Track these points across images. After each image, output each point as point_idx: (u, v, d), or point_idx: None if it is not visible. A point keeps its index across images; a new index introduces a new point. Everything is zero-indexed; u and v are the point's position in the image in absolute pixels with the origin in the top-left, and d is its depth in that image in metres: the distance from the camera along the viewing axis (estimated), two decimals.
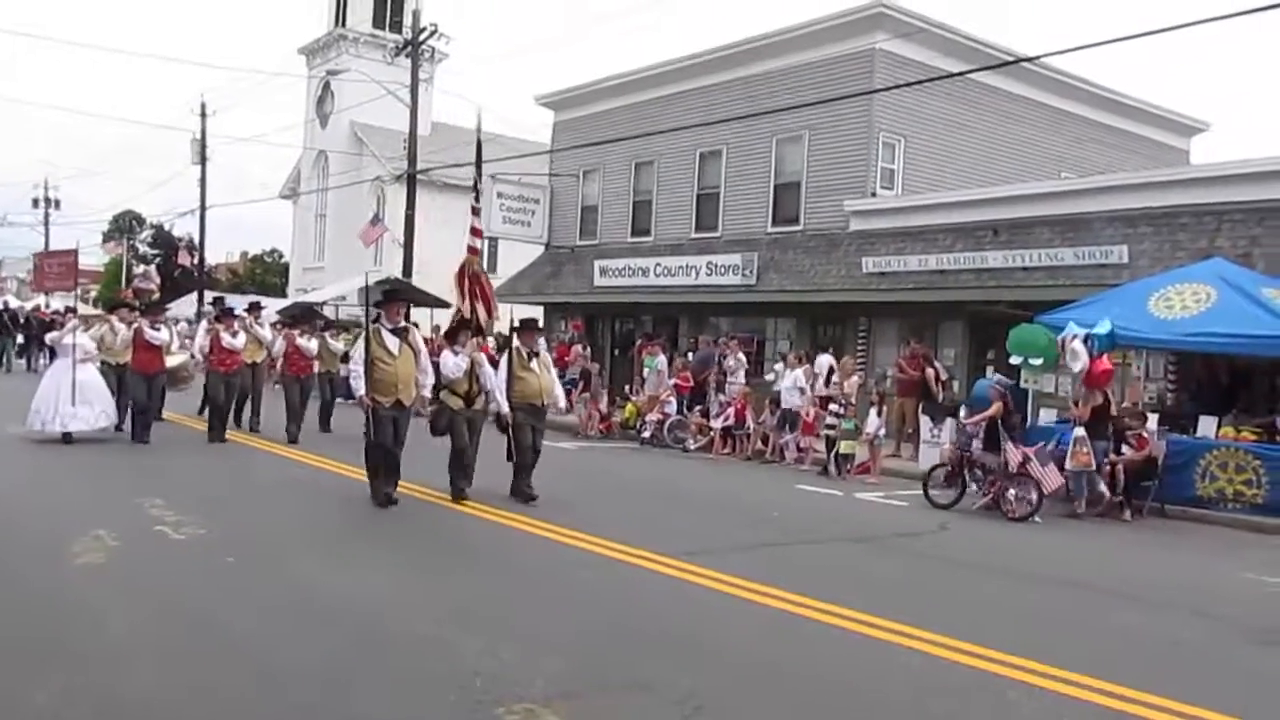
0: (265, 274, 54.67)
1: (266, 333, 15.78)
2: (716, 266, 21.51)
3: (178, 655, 5.01)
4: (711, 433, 16.94)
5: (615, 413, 19.43)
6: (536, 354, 10.48)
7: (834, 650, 5.71)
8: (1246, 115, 69.64)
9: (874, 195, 19.86)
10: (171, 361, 15.27)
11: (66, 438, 12.76)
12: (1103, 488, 11.56)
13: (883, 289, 18.50)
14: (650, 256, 23.46)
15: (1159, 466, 11.85)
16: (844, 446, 14.38)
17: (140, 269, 46.36)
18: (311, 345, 15.92)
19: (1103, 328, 12.02)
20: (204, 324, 16.53)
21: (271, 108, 76.21)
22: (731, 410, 16.72)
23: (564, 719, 4.30)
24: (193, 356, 15.95)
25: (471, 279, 11.03)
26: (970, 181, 20.09)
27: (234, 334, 14.42)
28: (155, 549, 7.32)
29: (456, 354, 10.07)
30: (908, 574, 8.08)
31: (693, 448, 16.96)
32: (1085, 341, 11.87)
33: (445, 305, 27.86)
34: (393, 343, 9.56)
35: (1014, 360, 13.76)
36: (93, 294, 49.07)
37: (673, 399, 17.93)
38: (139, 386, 13.57)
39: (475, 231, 11.66)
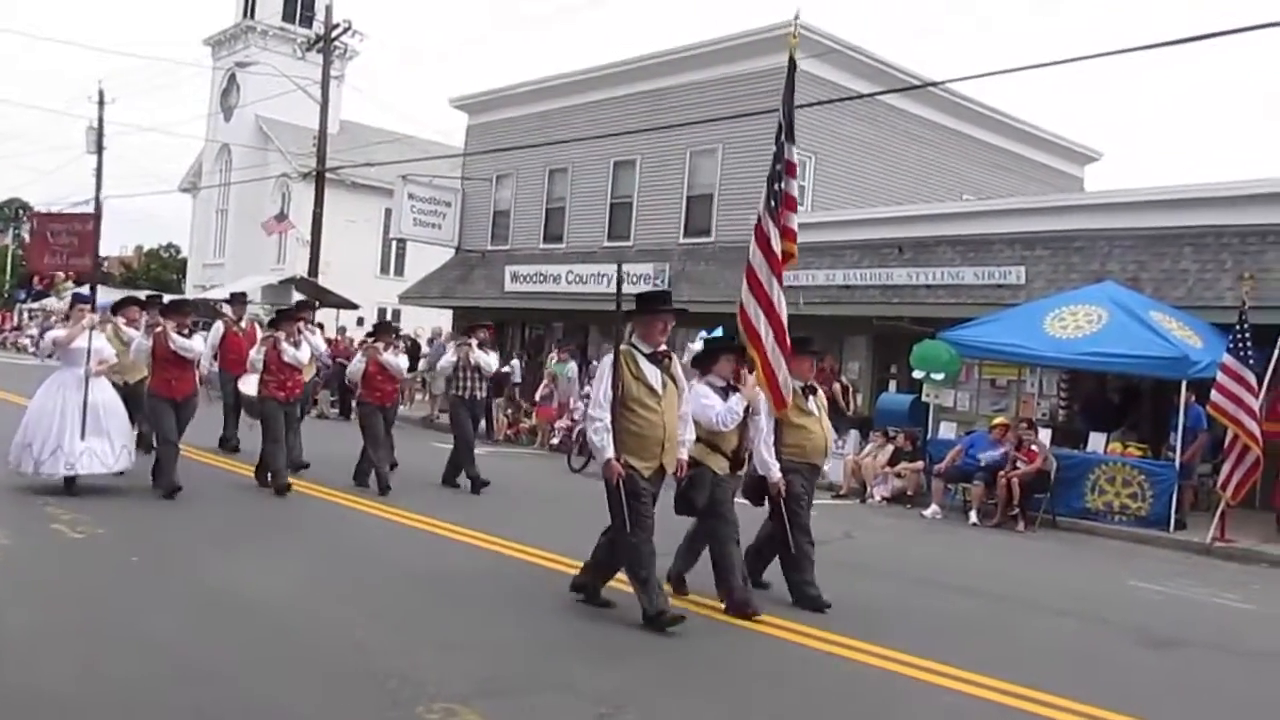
0: (161, 269, 53.04)
1: (319, 342, 12.27)
2: (628, 275, 21.55)
3: (81, 650, 4.85)
4: None
5: (524, 419, 19.38)
6: (814, 390, 7.64)
7: (745, 650, 5.83)
8: (1135, 145, 72.95)
9: None
10: (249, 387, 11.68)
11: (70, 484, 8.96)
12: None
13: (790, 302, 18.75)
14: (562, 263, 23.45)
15: (1051, 479, 12.34)
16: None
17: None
18: (401, 362, 11.82)
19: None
20: (218, 323, 13.35)
21: (172, 99, 73.93)
22: None
23: (484, 718, 4.30)
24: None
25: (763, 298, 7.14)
26: (877, 200, 20.60)
27: (296, 344, 10.57)
28: (51, 546, 7.06)
29: (721, 389, 6.69)
30: (819, 580, 8.24)
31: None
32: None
33: (353, 306, 27.58)
34: (653, 375, 6.20)
35: (917, 374, 14.21)
36: None
37: (582, 406, 17.94)
38: (163, 417, 9.73)
39: (788, 233, 7.28)
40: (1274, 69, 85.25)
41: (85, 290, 11.53)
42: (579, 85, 24.04)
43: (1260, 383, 11.29)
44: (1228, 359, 11.17)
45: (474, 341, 12.02)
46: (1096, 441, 12.89)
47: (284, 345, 10.38)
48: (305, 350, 10.69)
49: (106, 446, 9.05)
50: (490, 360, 12.14)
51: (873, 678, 5.47)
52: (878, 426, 14.75)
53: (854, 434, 14.97)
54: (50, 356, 10.24)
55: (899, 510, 13.08)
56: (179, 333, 9.78)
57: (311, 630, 5.55)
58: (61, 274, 34.85)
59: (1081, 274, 15.24)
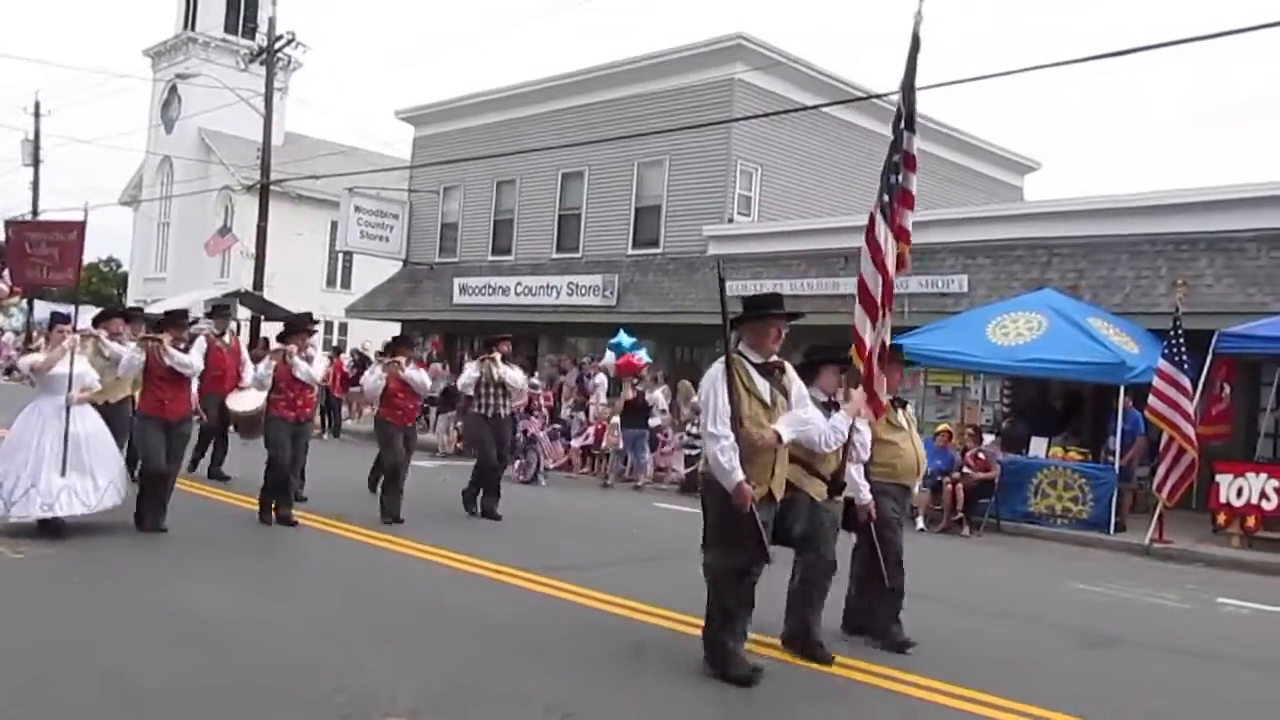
0: (101, 283, 52.01)
1: (320, 362, 10.79)
2: (578, 287, 21.64)
3: (27, 673, 4.75)
4: (570, 452, 17.00)
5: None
6: (904, 403, 6.89)
7: (695, 656, 5.85)
8: (1072, 155, 74.54)
9: (731, 221, 20.39)
10: (243, 402, 11.05)
11: (48, 526, 7.95)
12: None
13: (740, 312, 18.92)
14: (511, 275, 23.42)
15: (995, 484, 12.55)
16: (702, 465, 14.67)
17: None
18: (424, 378, 11.05)
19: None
20: (200, 339, 11.41)
21: (111, 111, 72.59)
22: (591, 430, 16.82)
23: None
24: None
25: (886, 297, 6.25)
26: (823, 210, 20.84)
27: (309, 358, 9.73)
28: None
29: (822, 404, 5.95)
30: (762, 585, 8.29)
31: (551, 467, 16.97)
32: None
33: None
34: (763, 388, 5.52)
35: None
36: None
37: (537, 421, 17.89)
38: (153, 441, 8.65)
39: (902, 234, 6.41)
40: (1189, 78, 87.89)
41: (64, 309, 10.42)
42: (526, 97, 24.05)
43: (1195, 387, 11.59)
44: (1163, 364, 11.46)
45: (497, 355, 11.17)
46: (1038, 446, 13.15)
47: (295, 360, 9.51)
48: (319, 366, 9.92)
49: (89, 484, 8.04)
50: (517, 375, 11.39)
51: (810, 680, 5.52)
52: None
53: None
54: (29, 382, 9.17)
55: None
56: (176, 346, 8.87)
57: (257, 647, 5.49)
58: (5, 288, 33.77)
59: (1022, 282, 15.55)
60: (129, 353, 9.01)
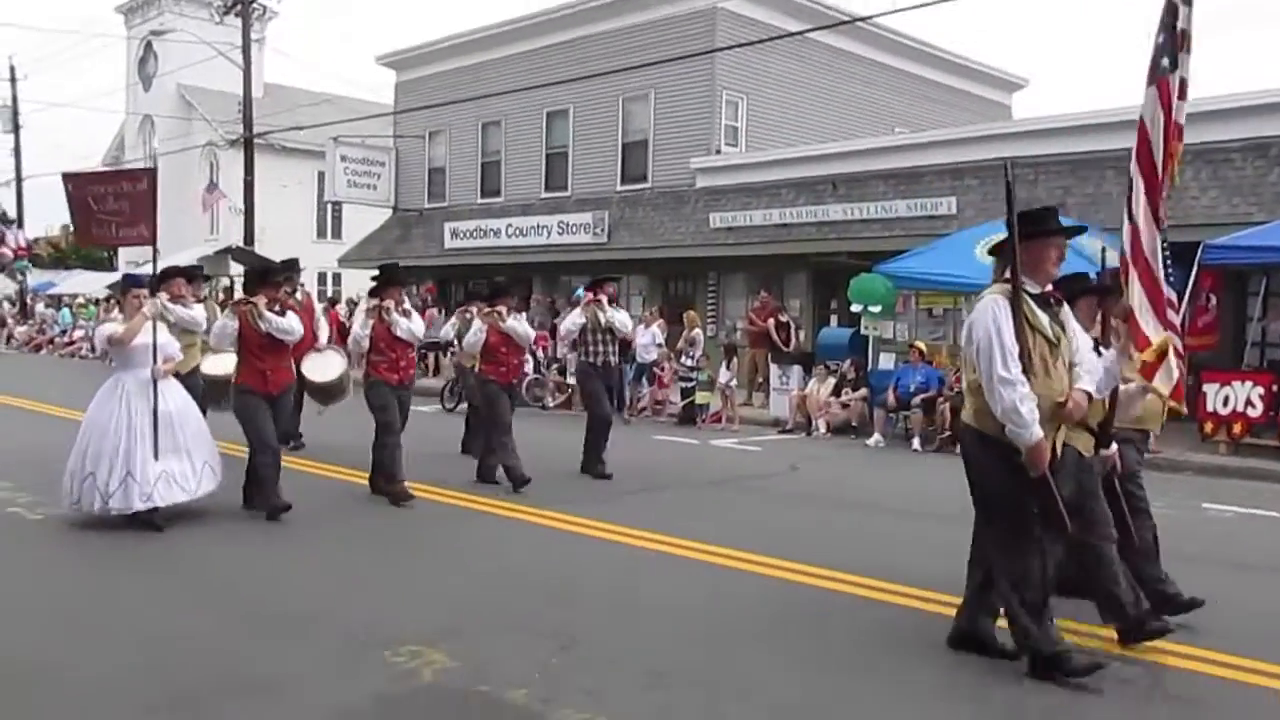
0: (91, 247, 51.68)
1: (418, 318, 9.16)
2: (568, 226, 21.66)
3: (58, 625, 4.96)
4: (569, 390, 17.17)
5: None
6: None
7: (696, 580, 6.07)
8: (1061, 72, 73.80)
9: (719, 152, 20.34)
10: (319, 368, 9.73)
11: (141, 518, 6.95)
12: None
13: (730, 244, 19.04)
14: (501, 217, 23.41)
15: None
16: (699, 397, 14.90)
17: None
18: (527, 330, 9.77)
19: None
20: (362, 304, 10.71)
21: (86, 72, 71.60)
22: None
23: (449, 657, 4.49)
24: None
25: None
26: (810, 138, 20.79)
27: (407, 313, 8.64)
28: (10, 530, 7.08)
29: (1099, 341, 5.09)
30: (764, 511, 8.53)
31: (551, 405, 17.16)
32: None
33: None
34: (1046, 323, 4.57)
35: (855, 308, 14.52)
36: None
37: (530, 358, 18.06)
38: (257, 418, 7.65)
39: (1176, 133, 5.38)
40: None
41: (138, 270, 9.46)
42: (507, 36, 23.83)
43: (1180, 299, 11.70)
44: None
45: (604, 298, 10.10)
46: None
47: (395, 316, 8.43)
48: (419, 322, 8.78)
49: (186, 467, 7.14)
50: (625, 319, 10.38)
51: (809, 596, 5.73)
52: (820, 361, 15.07)
53: (797, 369, 15.29)
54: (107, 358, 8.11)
55: (844, 441, 13.43)
56: (272, 310, 7.74)
57: (275, 590, 5.70)
58: (10, 252, 33.19)
59: None
60: (223, 318, 7.95)
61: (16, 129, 37.55)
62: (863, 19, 19.62)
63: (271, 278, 7.99)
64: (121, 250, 41.88)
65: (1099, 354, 4.91)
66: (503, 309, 9.27)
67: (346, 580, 5.91)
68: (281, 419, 7.91)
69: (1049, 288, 4.67)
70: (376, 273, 8.92)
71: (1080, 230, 5.11)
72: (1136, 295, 5.15)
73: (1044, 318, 4.52)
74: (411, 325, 8.50)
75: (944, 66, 24.91)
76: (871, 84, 23.13)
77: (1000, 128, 18.34)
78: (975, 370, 4.49)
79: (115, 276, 35.62)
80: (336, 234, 36.24)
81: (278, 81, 38.15)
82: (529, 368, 17.76)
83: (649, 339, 16.06)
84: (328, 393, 9.74)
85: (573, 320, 10.17)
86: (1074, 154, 15.37)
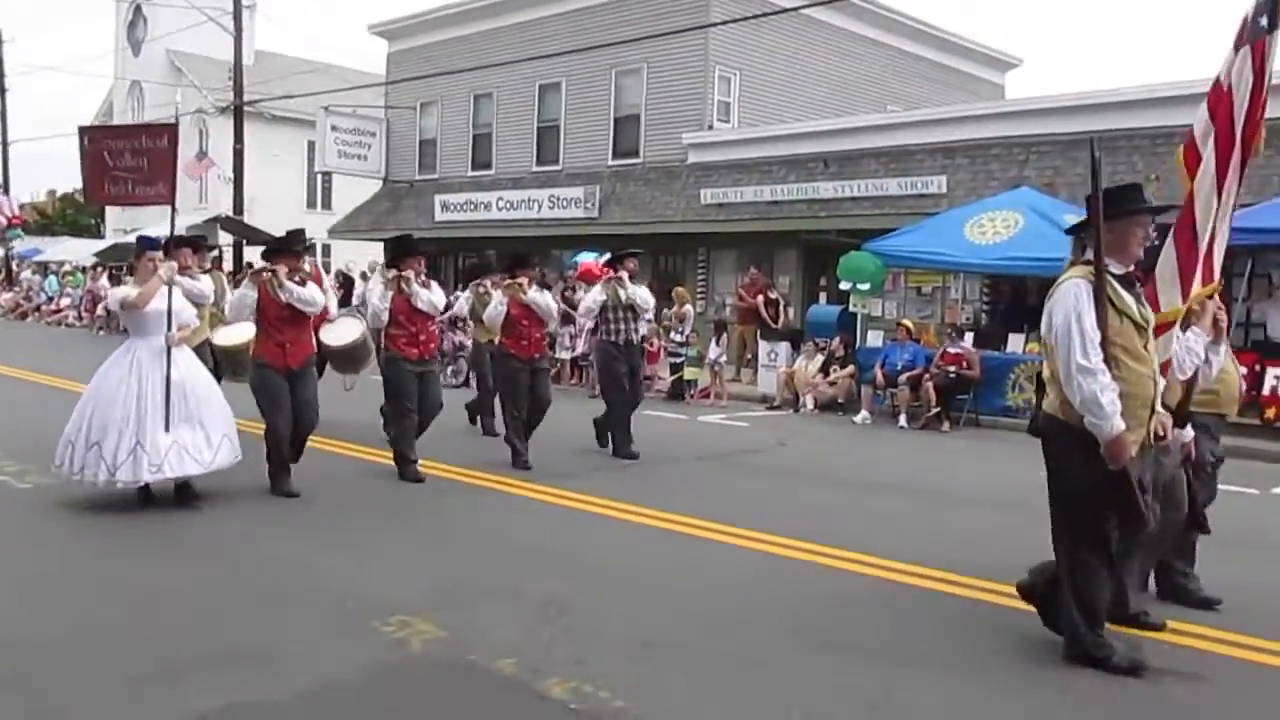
0: (78, 214, 51.37)
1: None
2: (559, 200, 21.62)
3: (47, 594, 5.01)
4: (560, 364, 17.21)
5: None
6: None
7: (684, 554, 6.16)
8: (1055, 52, 73.62)
9: (711, 128, 20.31)
10: (337, 334, 9.40)
11: (150, 493, 6.85)
12: None
13: (720, 220, 19.06)
14: (492, 190, 23.36)
15: (973, 381, 12.85)
16: (688, 373, 14.98)
17: None
18: (550, 302, 9.50)
19: None
20: (378, 274, 10.26)
21: (74, 36, 70.89)
22: (580, 342, 17.00)
23: (437, 627, 4.56)
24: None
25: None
26: (802, 115, 20.76)
27: (426, 284, 8.26)
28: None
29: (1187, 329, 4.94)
30: (751, 486, 8.62)
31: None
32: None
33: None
34: (1132, 306, 4.37)
35: (844, 286, 14.58)
36: None
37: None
38: (274, 393, 7.36)
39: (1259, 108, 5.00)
40: None
41: (151, 232, 8.87)
42: (500, 7, 23.68)
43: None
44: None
45: (625, 274, 9.83)
46: (1015, 343, 13.43)
47: (414, 287, 8.05)
48: (439, 293, 8.41)
49: (200, 438, 6.75)
50: (646, 295, 10.08)
51: (796, 569, 5.82)
52: (808, 338, 15.15)
53: (786, 346, 15.37)
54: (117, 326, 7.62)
55: (831, 418, 13.52)
56: (293, 279, 7.40)
57: (267, 560, 5.76)
58: (4, 220, 32.73)
59: (1000, 181, 15.65)
60: (243, 288, 7.69)
61: (2, 92, 37.18)
62: None
63: (291, 246, 7.62)
64: (109, 217, 41.71)
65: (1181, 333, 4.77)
66: (524, 280, 9.00)
67: (339, 551, 5.97)
68: (304, 395, 7.44)
69: (1131, 268, 4.45)
70: (383, 245, 8.73)
71: (1169, 209, 4.97)
72: (1169, 264, 4.91)
73: (1130, 300, 4.34)
74: (432, 296, 8.18)
75: (938, 45, 24.85)
76: (865, 61, 23.08)
77: (991, 107, 18.35)
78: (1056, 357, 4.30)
79: (103, 244, 35.41)
80: (327, 205, 36.05)
81: (269, 49, 37.87)
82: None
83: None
84: (350, 357, 9.41)
85: (593, 298, 9.84)
86: (1064, 134, 15.40)
